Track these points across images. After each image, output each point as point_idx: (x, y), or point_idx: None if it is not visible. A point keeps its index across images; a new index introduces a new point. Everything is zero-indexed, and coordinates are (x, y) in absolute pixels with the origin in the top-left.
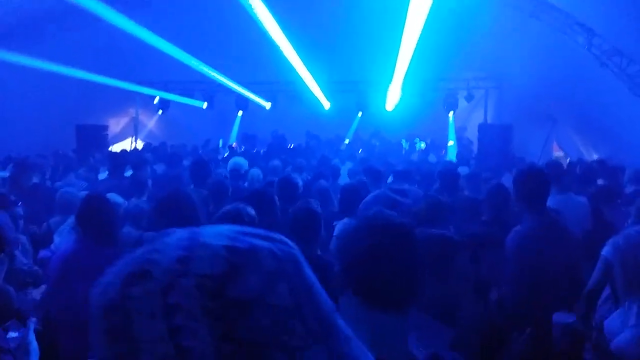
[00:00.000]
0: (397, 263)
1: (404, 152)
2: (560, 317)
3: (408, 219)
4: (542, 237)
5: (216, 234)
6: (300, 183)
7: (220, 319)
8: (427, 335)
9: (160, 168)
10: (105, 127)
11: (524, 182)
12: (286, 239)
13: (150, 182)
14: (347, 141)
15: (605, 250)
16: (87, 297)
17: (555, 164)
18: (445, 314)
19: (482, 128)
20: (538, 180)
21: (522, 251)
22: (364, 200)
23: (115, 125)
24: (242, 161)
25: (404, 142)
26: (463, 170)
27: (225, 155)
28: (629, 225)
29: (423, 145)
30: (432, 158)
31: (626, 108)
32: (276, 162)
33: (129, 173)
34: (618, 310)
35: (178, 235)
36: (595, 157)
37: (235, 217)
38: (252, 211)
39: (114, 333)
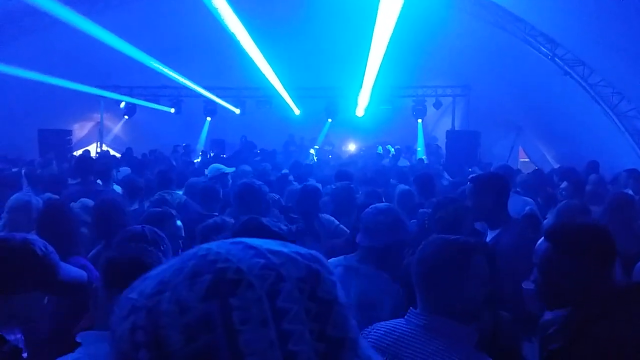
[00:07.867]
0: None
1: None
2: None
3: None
4: None
5: (260, 242)
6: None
7: (316, 320)
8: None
9: (124, 171)
10: (69, 132)
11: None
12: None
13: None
14: (316, 147)
15: None
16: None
17: (506, 168)
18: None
19: (450, 134)
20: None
21: None
22: None
23: (80, 130)
24: (221, 166)
25: (379, 148)
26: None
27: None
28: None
29: (393, 150)
30: (402, 162)
31: (588, 116)
32: (246, 167)
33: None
34: None
35: (227, 245)
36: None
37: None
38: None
39: (209, 353)
